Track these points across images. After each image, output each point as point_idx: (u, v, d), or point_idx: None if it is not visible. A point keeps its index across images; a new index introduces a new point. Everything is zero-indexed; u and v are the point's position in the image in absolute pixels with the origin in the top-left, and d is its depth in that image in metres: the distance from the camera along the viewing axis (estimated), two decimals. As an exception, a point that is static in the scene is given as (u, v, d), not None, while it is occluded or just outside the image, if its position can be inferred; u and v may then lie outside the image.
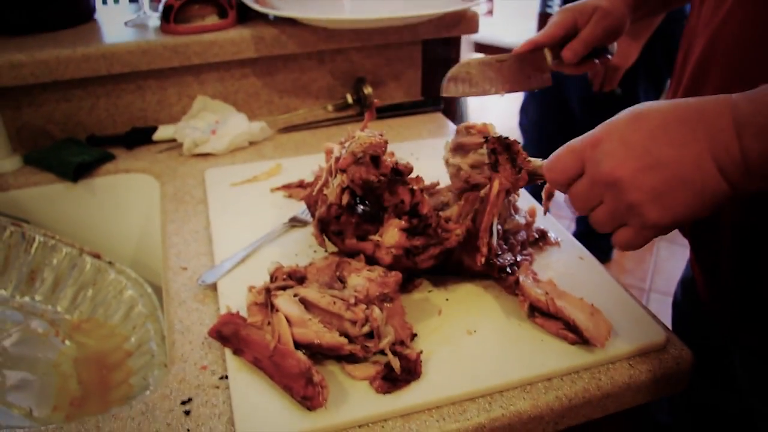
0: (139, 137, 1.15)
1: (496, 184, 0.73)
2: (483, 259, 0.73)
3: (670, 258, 2.78)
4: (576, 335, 0.70)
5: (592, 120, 1.80)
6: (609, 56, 0.91)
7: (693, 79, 0.73)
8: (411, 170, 0.75)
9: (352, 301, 0.65)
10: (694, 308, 0.93)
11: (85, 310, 1.02)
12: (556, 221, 0.92)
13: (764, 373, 0.76)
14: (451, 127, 1.25)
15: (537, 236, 0.88)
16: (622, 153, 0.54)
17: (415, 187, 0.73)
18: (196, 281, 0.81)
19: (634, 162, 0.53)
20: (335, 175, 0.74)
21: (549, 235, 0.88)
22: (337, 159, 0.74)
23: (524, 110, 2.32)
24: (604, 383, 0.68)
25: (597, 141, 0.56)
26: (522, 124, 2.36)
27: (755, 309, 0.73)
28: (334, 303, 0.66)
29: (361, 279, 0.68)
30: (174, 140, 1.13)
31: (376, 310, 0.64)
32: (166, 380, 0.67)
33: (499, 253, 0.80)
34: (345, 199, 0.72)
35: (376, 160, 0.72)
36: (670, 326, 0.96)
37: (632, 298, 0.78)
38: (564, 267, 0.83)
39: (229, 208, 0.95)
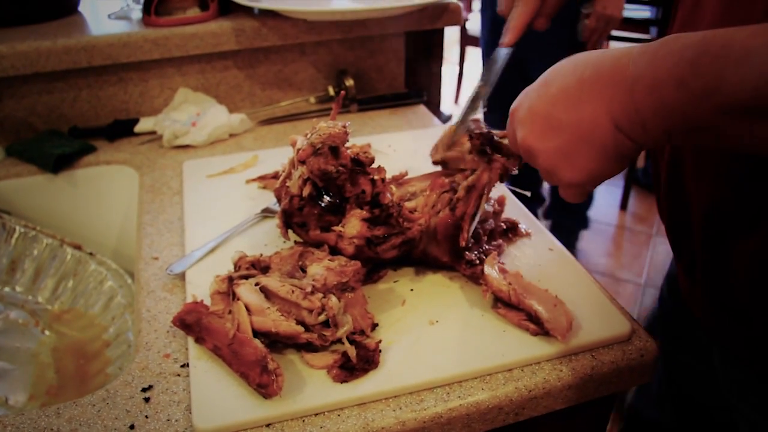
0: (121, 129, 1.16)
1: (485, 176, 0.73)
2: (464, 243, 0.73)
3: (667, 253, 2.77)
4: (537, 326, 0.70)
5: None
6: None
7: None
8: (372, 160, 0.75)
9: (309, 289, 0.65)
10: (678, 304, 0.93)
11: (65, 301, 1.03)
12: (528, 211, 0.92)
13: (740, 370, 0.76)
14: (433, 119, 1.25)
15: (506, 227, 0.88)
16: (529, 121, 0.57)
17: (375, 177, 0.74)
18: (166, 270, 0.81)
19: (538, 128, 0.56)
20: (297, 168, 0.75)
21: (519, 226, 0.88)
22: (299, 151, 0.75)
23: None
24: (565, 374, 0.68)
25: (513, 112, 0.60)
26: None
27: (727, 306, 0.73)
28: (293, 292, 0.66)
29: (319, 268, 0.68)
30: (155, 132, 1.14)
31: (333, 299, 0.65)
32: (129, 368, 0.68)
33: (470, 245, 0.80)
34: (306, 190, 0.73)
35: (335, 150, 0.72)
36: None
37: (600, 290, 0.78)
38: (533, 258, 0.83)
39: (204, 199, 0.95)
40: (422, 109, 1.29)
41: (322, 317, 0.64)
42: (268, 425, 0.61)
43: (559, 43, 1.88)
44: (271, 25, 1.17)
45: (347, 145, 0.74)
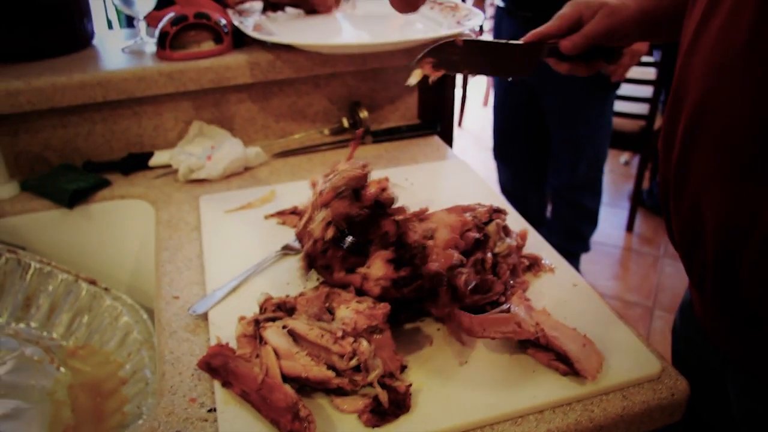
0: (136, 163, 1.15)
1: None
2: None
3: (675, 275, 2.77)
4: (567, 366, 0.69)
5: (567, 132, 1.80)
6: (618, 57, 0.86)
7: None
8: (393, 201, 0.75)
9: (340, 334, 0.64)
10: (692, 332, 0.92)
11: (80, 337, 1.02)
12: (551, 246, 0.92)
13: (753, 398, 0.75)
14: (447, 150, 1.25)
15: (529, 262, 0.87)
16: None
17: (398, 218, 0.73)
18: (188, 311, 0.80)
19: None
20: (319, 210, 0.74)
21: (543, 261, 0.88)
22: (321, 193, 0.74)
23: (497, 121, 2.31)
24: (597, 415, 0.67)
25: None
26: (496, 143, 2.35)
27: (738, 316, 0.72)
28: (322, 336, 0.65)
29: (349, 311, 0.68)
30: (170, 166, 1.14)
31: (364, 343, 0.64)
32: (155, 413, 0.67)
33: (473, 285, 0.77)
34: (330, 233, 0.72)
35: (357, 193, 0.72)
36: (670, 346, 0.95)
37: (627, 327, 0.77)
38: (558, 294, 0.83)
39: (222, 235, 0.95)
40: (436, 140, 1.29)
41: (353, 362, 0.63)
42: (299, 474, 0.60)
43: (571, 82, 1.89)
44: (285, 58, 1.17)
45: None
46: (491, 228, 0.81)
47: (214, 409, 0.67)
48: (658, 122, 2.96)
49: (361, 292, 0.74)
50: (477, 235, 0.77)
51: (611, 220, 3.21)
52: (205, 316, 0.79)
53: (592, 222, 2.43)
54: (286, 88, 1.24)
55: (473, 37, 0.81)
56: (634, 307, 2.57)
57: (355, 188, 0.70)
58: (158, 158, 1.15)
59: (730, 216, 0.63)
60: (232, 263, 0.88)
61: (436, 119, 1.32)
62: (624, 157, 3.99)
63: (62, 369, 0.99)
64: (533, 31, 0.84)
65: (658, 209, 3.26)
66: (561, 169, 2.22)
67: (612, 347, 0.73)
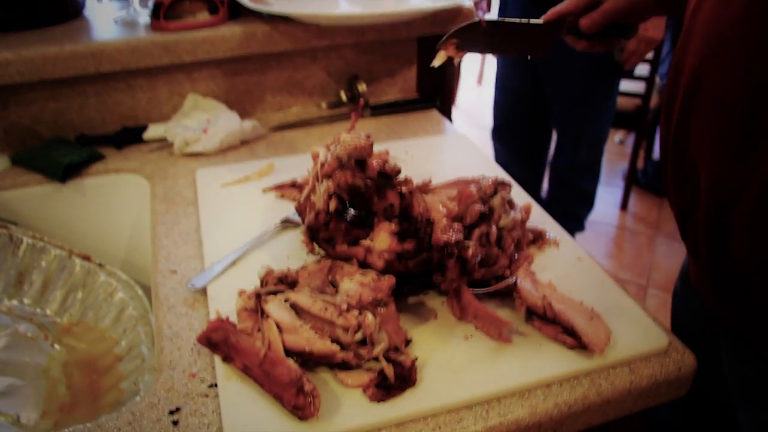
0: (130, 137, 1.13)
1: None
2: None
3: (669, 254, 2.77)
4: (574, 340, 0.68)
5: (573, 115, 1.78)
6: (633, 34, 0.85)
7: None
8: (398, 172, 0.73)
9: (345, 307, 0.63)
10: (690, 299, 0.92)
11: (74, 313, 1.00)
12: (554, 221, 0.90)
13: (748, 365, 0.75)
14: (447, 124, 1.23)
15: (532, 236, 0.86)
16: None
17: (404, 190, 0.72)
18: (186, 285, 0.79)
19: None
20: (321, 181, 0.72)
21: (547, 234, 0.86)
22: (323, 164, 0.72)
23: (497, 105, 2.27)
24: (605, 389, 0.66)
25: None
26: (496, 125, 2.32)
27: (727, 285, 0.72)
28: (326, 309, 0.64)
29: (353, 284, 0.66)
30: (165, 139, 1.11)
31: (369, 317, 0.63)
32: (154, 388, 0.66)
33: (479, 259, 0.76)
34: (332, 205, 0.70)
35: (361, 163, 0.70)
36: (669, 317, 0.95)
37: (633, 301, 0.76)
38: (562, 268, 0.82)
39: (220, 209, 0.93)
40: (435, 114, 1.27)
41: (358, 336, 0.62)
42: (303, 448, 0.59)
43: (578, 65, 1.87)
44: (282, 30, 1.15)
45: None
46: (496, 201, 0.79)
47: (215, 385, 0.65)
48: (654, 101, 2.94)
49: (364, 265, 0.72)
50: (482, 208, 0.76)
51: (606, 198, 3.21)
52: (204, 291, 0.78)
53: (589, 203, 2.42)
54: (283, 60, 1.21)
55: (496, 18, 0.81)
56: (628, 286, 2.57)
57: (359, 158, 0.68)
58: (153, 132, 1.12)
59: (722, 179, 0.63)
60: (230, 237, 0.86)
61: (435, 93, 1.30)
62: (619, 135, 3.98)
63: (56, 346, 0.97)
64: (552, 10, 0.83)
65: (652, 188, 3.26)
66: (563, 152, 2.20)
67: (618, 321, 0.72)
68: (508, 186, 0.82)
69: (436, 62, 0.83)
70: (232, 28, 1.13)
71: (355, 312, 0.63)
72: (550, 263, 0.82)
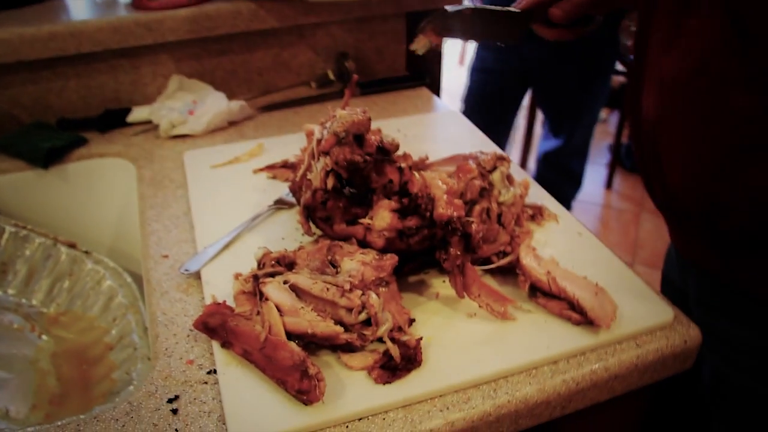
0: (113, 120, 1.09)
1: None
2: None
3: (654, 231, 2.78)
4: (580, 315, 0.67)
5: (570, 101, 1.75)
6: (598, 24, 0.87)
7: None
8: (397, 147, 0.71)
9: (347, 287, 0.61)
10: (673, 261, 0.93)
11: (62, 303, 0.97)
12: (551, 196, 0.89)
13: (712, 318, 0.79)
14: (437, 102, 1.21)
15: (531, 212, 0.84)
16: None
17: (403, 165, 0.70)
18: (179, 270, 0.76)
19: None
20: (318, 159, 0.70)
21: (546, 210, 0.85)
22: (319, 141, 0.70)
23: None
24: (612, 364, 0.65)
25: None
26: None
27: (687, 228, 0.79)
28: (328, 289, 0.62)
29: (355, 263, 0.64)
30: (149, 122, 1.08)
31: (373, 296, 0.61)
32: (151, 377, 0.63)
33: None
34: (330, 183, 0.68)
35: (359, 139, 0.67)
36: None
37: (635, 275, 0.75)
38: (563, 243, 0.80)
39: (211, 191, 0.90)
40: (425, 92, 1.24)
41: (362, 316, 0.60)
42: (309, 434, 0.57)
43: (562, 59, 1.84)
44: (268, 7, 1.11)
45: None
46: (496, 176, 0.78)
47: (214, 371, 0.63)
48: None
49: (363, 245, 0.70)
50: (482, 184, 0.74)
51: (591, 177, 3.20)
52: (197, 275, 0.75)
53: (577, 184, 2.41)
54: (269, 39, 1.18)
55: (474, 4, 0.82)
56: (616, 263, 2.58)
57: (357, 134, 0.66)
58: (137, 114, 1.09)
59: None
60: (222, 220, 0.83)
61: (424, 70, 1.28)
62: (602, 113, 3.98)
63: (44, 337, 0.94)
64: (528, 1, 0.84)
65: (635, 168, 3.27)
66: (557, 137, 2.18)
67: (622, 295, 0.71)
68: (507, 161, 0.81)
69: (416, 47, 0.84)
70: (216, 5, 1.10)
71: (358, 292, 0.61)
72: (551, 239, 0.81)
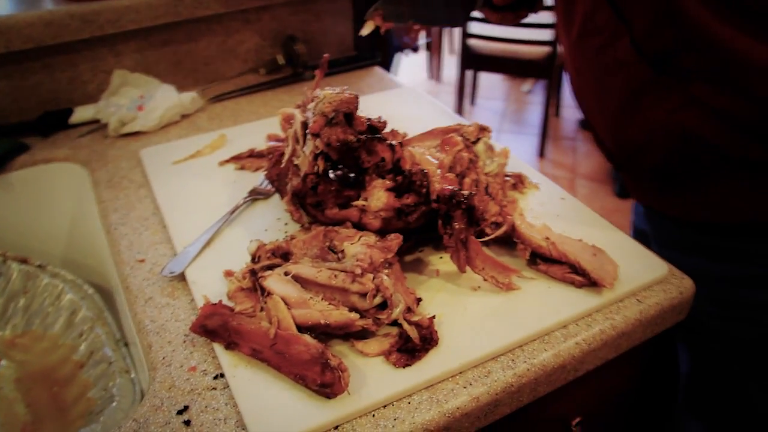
0: (54, 122, 1.01)
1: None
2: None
3: (590, 195, 2.88)
4: (583, 278, 0.67)
5: None
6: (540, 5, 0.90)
7: None
8: (385, 125, 0.69)
9: (359, 271, 0.58)
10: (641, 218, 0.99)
11: (18, 324, 0.90)
12: (526, 164, 0.89)
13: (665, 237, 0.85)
14: (392, 79, 1.19)
15: (513, 181, 0.84)
16: None
17: (394, 143, 0.67)
18: (160, 273, 0.71)
19: None
20: (304, 142, 0.67)
21: (527, 178, 0.85)
22: (304, 124, 0.67)
23: None
24: (618, 322, 0.66)
25: None
26: None
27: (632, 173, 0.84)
28: (335, 276, 0.59)
29: (360, 246, 0.61)
30: (95, 122, 1.01)
31: (386, 278, 0.58)
32: (153, 389, 0.59)
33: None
34: (321, 165, 0.65)
35: (349, 117, 0.65)
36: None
37: (624, 234, 0.76)
38: (549, 209, 0.80)
39: (177, 188, 0.85)
40: (378, 71, 1.22)
41: (377, 299, 0.58)
42: (336, 428, 0.54)
43: None
44: (211, -9, 1.06)
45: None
46: (480, 147, 0.77)
47: (221, 375, 0.60)
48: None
49: (358, 228, 0.68)
50: (471, 156, 0.73)
51: (524, 147, 3.28)
52: (181, 277, 0.71)
53: None
54: (213, 25, 1.12)
55: None
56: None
57: (347, 112, 0.63)
58: (80, 114, 1.01)
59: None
60: (196, 217, 0.79)
61: (374, 49, 1.25)
62: (526, 85, 4.06)
63: (3, 362, 0.87)
64: None
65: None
66: None
67: (616, 254, 0.71)
68: (489, 131, 0.79)
69: (364, 31, 0.85)
70: (156, -8, 1.03)
71: (370, 275, 0.58)
72: (536, 206, 0.81)
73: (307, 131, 0.64)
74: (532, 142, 3.30)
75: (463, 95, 3.39)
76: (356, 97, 0.65)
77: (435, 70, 4.21)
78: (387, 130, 0.71)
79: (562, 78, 3.51)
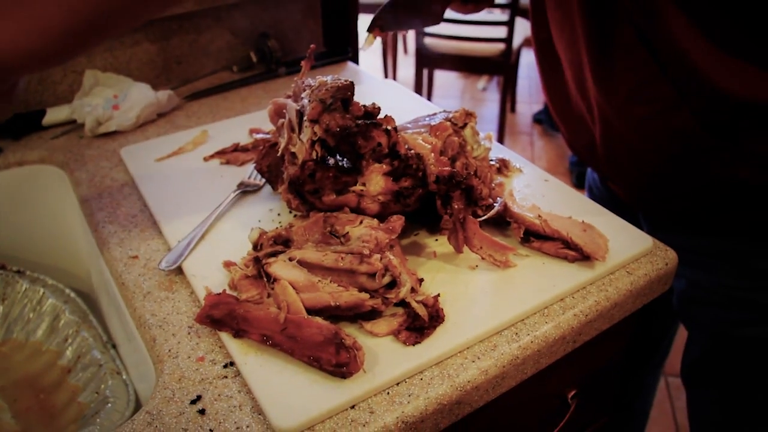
0: (26, 124, 0.98)
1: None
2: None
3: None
4: (576, 252, 0.69)
5: None
6: None
7: None
8: (379, 110, 0.70)
9: (367, 252, 0.59)
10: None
11: (-3, 332, 0.88)
12: (507, 148, 0.91)
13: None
14: (365, 74, 1.20)
15: (498, 165, 0.86)
16: None
17: (389, 127, 0.68)
18: (156, 268, 0.71)
19: None
20: (300, 131, 0.67)
21: (510, 162, 0.87)
22: (299, 112, 0.67)
23: None
24: (611, 293, 0.68)
25: None
26: None
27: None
28: (342, 258, 0.60)
29: (364, 228, 0.62)
30: (69, 123, 0.98)
31: (393, 258, 0.59)
32: (162, 381, 0.58)
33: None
34: (318, 152, 0.65)
35: (346, 103, 0.65)
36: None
37: (608, 211, 0.79)
38: (534, 191, 0.82)
39: (164, 184, 0.84)
40: (351, 66, 1.23)
41: (386, 279, 0.58)
42: (352, 407, 0.55)
43: None
44: (181, -11, 1.05)
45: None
46: (467, 132, 0.78)
47: (231, 364, 0.59)
48: (516, 42, 3.06)
49: (356, 212, 0.68)
50: (459, 140, 0.74)
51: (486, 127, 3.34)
52: (178, 270, 0.70)
53: None
54: (185, 23, 1.11)
55: None
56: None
57: (344, 98, 0.63)
58: (53, 115, 0.99)
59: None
60: (186, 211, 0.78)
61: (345, 44, 1.26)
62: (482, 82, 4.13)
63: (-15, 372, 0.85)
64: None
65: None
66: None
67: (603, 230, 0.74)
68: (474, 116, 0.81)
69: (366, 45, 0.87)
70: (125, -10, 1.01)
71: (377, 256, 0.59)
72: (522, 188, 0.83)
73: (305, 118, 0.64)
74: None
75: (420, 94, 3.43)
76: (352, 84, 0.65)
77: (390, 71, 4.23)
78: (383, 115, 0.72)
79: (518, 74, 3.58)
